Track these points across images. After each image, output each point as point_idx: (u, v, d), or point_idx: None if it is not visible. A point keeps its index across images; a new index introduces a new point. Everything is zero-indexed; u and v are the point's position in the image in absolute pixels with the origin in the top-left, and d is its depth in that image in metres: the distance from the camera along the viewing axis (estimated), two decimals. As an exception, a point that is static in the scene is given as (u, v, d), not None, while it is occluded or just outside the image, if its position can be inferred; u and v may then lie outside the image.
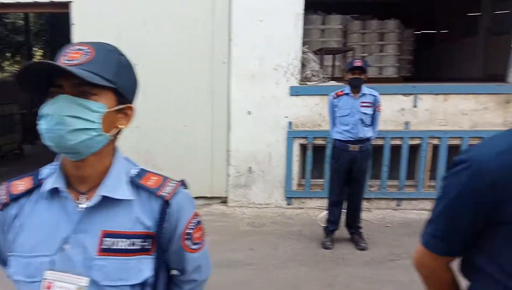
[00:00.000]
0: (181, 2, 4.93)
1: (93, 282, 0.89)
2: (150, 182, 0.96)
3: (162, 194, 0.95)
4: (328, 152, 4.92)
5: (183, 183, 1.01)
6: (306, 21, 7.11)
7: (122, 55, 0.94)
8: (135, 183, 0.95)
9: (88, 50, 0.88)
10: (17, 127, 8.62)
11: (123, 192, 0.93)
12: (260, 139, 5.00)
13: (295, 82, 4.92)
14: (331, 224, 4.01)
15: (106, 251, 0.90)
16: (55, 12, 5.66)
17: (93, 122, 0.87)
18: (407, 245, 3.91)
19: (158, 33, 4.97)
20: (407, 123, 4.86)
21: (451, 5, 9.23)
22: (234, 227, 4.57)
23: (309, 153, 4.98)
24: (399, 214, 4.91)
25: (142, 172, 0.98)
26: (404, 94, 4.84)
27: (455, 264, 1.04)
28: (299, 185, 5.15)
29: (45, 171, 0.98)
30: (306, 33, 7.06)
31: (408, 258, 1.01)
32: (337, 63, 6.81)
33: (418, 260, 1.07)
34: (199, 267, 1.05)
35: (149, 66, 4.98)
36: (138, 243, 0.92)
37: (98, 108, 0.87)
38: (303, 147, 5.06)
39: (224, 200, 5.25)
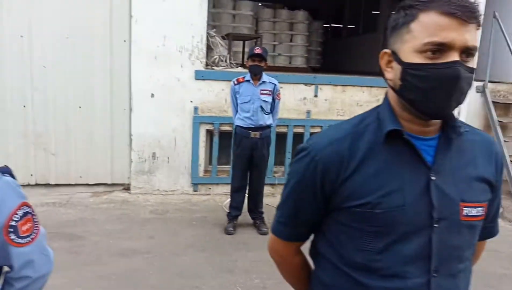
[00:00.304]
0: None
1: None
2: None
3: None
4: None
5: (4, 171, 0.89)
6: (217, 4, 7.06)
7: None
8: None
9: None
10: None
11: None
12: (165, 123, 4.84)
13: (200, 66, 4.82)
14: (234, 209, 4.05)
15: None
16: None
17: None
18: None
19: (48, 3, 4.50)
20: (308, 112, 5.07)
21: (357, 2, 9.83)
22: (135, 215, 4.38)
23: (216, 139, 4.95)
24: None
25: None
26: (305, 84, 5.02)
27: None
28: (206, 171, 5.11)
29: None
30: (216, 16, 7.00)
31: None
32: (246, 50, 6.84)
33: (270, 246, 1.08)
34: (30, 262, 0.95)
35: (37, 40, 4.53)
36: None
37: None
38: (210, 133, 5.01)
39: (126, 187, 5.01)
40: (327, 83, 5.09)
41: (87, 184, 4.93)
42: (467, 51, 0.82)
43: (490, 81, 5.52)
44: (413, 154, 0.88)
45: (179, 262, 3.37)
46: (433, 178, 0.88)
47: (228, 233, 3.95)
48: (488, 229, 1.03)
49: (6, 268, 0.96)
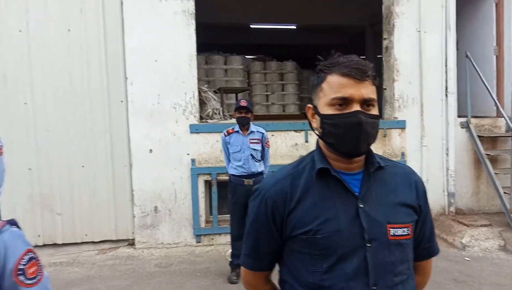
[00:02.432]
0: (72, 41, 4.89)
1: None
2: None
3: None
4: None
5: (11, 222, 1.07)
6: (209, 61, 7.49)
7: None
8: None
9: None
10: None
11: None
12: (164, 177, 5.02)
13: (194, 120, 5.08)
14: (236, 258, 4.09)
15: None
16: None
17: None
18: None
19: (49, 71, 4.86)
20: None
21: (343, 50, 10.32)
22: (140, 270, 4.44)
23: (214, 189, 5.11)
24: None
25: None
26: (295, 130, 5.26)
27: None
28: (207, 221, 5.21)
29: None
30: (210, 72, 7.41)
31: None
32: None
33: (242, 277, 1.24)
34: None
35: (40, 106, 4.84)
36: None
37: None
38: (208, 183, 5.18)
39: (131, 242, 5.10)
40: (316, 128, 5.31)
41: (93, 242, 5.03)
42: (367, 102, 1.04)
43: (473, 116, 5.71)
44: (342, 187, 1.07)
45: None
46: (361, 205, 1.06)
47: (232, 282, 3.98)
48: (428, 249, 1.19)
49: None
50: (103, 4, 4.91)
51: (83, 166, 4.99)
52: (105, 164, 5.03)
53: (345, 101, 1.03)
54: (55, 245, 4.95)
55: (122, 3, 4.89)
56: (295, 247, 1.07)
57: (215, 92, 5.94)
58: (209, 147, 5.10)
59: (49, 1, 4.85)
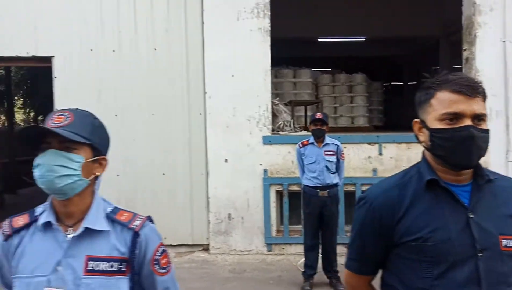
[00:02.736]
0: (158, 59, 5.33)
1: None
2: (123, 217, 1.22)
3: (133, 226, 1.20)
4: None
5: (149, 219, 1.27)
6: (278, 75, 7.70)
7: (96, 118, 1.23)
8: (111, 218, 1.21)
9: (69, 115, 1.16)
10: (-2, 177, 8.63)
11: (101, 224, 1.18)
12: (238, 186, 5.24)
13: (267, 132, 5.26)
14: (308, 268, 4.16)
15: (91, 272, 1.14)
16: (38, 66, 5.97)
17: (74, 169, 1.13)
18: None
19: (137, 86, 5.33)
20: (375, 170, 5.21)
21: (415, 61, 10.04)
22: (215, 274, 4.65)
23: (285, 199, 5.22)
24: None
25: (116, 209, 1.23)
26: (369, 143, 5.22)
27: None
28: (278, 231, 5.33)
29: (39, 209, 1.22)
30: (279, 85, 7.61)
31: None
32: (309, 113, 7.27)
33: (345, 280, 1.33)
34: (168, 288, 1.27)
35: (128, 118, 5.32)
36: (115, 266, 1.16)
37: (78, 159, 1.14)
38: (280, 194, 5.31)
39: (206, 247, 5.36)
40: (391, 141, 5.24)
41: (171, 245, 5.36)
42: (478, 117, 1.09)
43: None
44: (451, 198, 1.12)
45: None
46: (471, 216, 1.09)
47: (305, 292, 4.05)
48: None
49: None
50: (186, 24, 5.32)
51: (163, 174, 5.38)
52: (184, 173, 5.38)
53: (455, 116, 1.08)
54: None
55: (203, 22, 5.26)
56: (402, 254, 1.14)
57: (285, 104, 6.10)
58: (281, 158, 5.24)
59: (138, 23, 5.35)
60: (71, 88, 5.35)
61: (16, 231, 1.20)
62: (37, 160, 1.12)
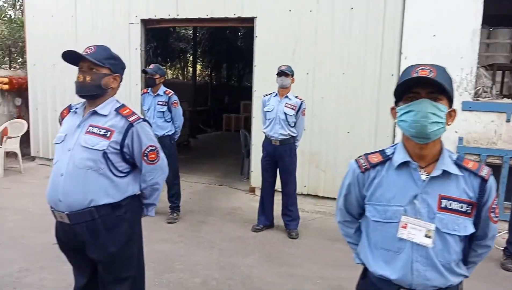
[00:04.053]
0: (353, 18, 5.36)
1: (436, 229, 1.32)
2: (470, 165, 1.37)
3: (482, 174, 1.35)
4: (504, 172, 4.77)
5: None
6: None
7: (448, 74, 1.36)
8: (458, 164, 1.36)
9: (431, 70, 1.29)
10: (187, 123, 10.04)
11: (454, 169, 1.34)
12: (426, 152, 5.09)
13: (468, 97, 4.92)
14: (510, 244, 3.93)
15: (444, 209, 1.33)
16: (240, 26, 6.57)
17: (441, 117, 1.29)
18: None
19: (330, 46, 5.49)
20: None
21: None
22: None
23: (479, 170, 4.89)
24: None
25: (461, 158, 1.39)
26: None
27: None
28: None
29: (388, 150, 1.46)
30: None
31: None
32: (505, 80, 6.49)
33: None
34: (494, 236, 1.42)
35: (320, 76, 5.55)
36: (464, 207, 1.33)
37: (443, 109, 1.29)
38: (473, 164, 4.99)
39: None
40: None
41: (348, 201, 5.61)
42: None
43: None
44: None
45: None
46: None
47: (507, 269, 3.83)
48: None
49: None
50: (387, -19, 5.16)
51: (348, 132, 5.55)
52: (369, 133, 5.45)
53: None
54: (316, 196, 5.76)
55: (405, -21, 5.03)
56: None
57: (486, 68, 5.54)
58: (481, 127, 4.88)
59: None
60: (269, 46, 5.80)
61: (373, 166, 1.45)
62: (411, 107, 1.30)
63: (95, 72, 1.81)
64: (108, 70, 1.85)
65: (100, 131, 1.80)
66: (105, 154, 1.79)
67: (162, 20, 6.40)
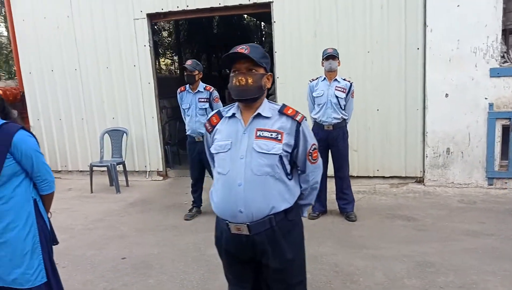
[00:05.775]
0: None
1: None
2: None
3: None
4: (538, 131, 4.96)
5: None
6: None
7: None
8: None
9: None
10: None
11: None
12: (458, 120, 5.22)
13: (495, 64, 5.04)
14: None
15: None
16: (256, 12, 6.37)
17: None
18: None
19: (352, 23, 5.46)
20: None
21: None
22: (446, 203, 4.80)
23: None
24: None
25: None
26: None
27: None
28: (501, 166, 5.25)
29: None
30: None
31: None
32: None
33: None
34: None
35: (344, 55, 5.48)
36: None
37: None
38: (506, 128, 5.16)
39: (419, 180, 5.57)
40: None
41: (383, 177, 5.69)
42: None
43: None
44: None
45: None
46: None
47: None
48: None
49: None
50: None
51: (377, 110, 5.58)
52: (398, 108, 5.50)
53: None
54: (351, 176, 5.75)
55: (427, -50, 5.03)
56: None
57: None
58: (510, 91, 5.03)
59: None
60: (287, 30, 5.69)
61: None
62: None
63: (255, 73, 1.72)
64: (264, 69, 1.76)
65: (271, 135, 1.73)
66: (280, 158, 1.69)
67: (170, 13, 6.13)
